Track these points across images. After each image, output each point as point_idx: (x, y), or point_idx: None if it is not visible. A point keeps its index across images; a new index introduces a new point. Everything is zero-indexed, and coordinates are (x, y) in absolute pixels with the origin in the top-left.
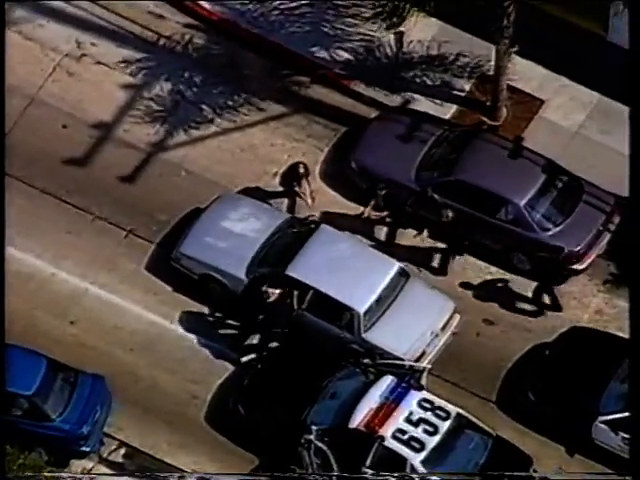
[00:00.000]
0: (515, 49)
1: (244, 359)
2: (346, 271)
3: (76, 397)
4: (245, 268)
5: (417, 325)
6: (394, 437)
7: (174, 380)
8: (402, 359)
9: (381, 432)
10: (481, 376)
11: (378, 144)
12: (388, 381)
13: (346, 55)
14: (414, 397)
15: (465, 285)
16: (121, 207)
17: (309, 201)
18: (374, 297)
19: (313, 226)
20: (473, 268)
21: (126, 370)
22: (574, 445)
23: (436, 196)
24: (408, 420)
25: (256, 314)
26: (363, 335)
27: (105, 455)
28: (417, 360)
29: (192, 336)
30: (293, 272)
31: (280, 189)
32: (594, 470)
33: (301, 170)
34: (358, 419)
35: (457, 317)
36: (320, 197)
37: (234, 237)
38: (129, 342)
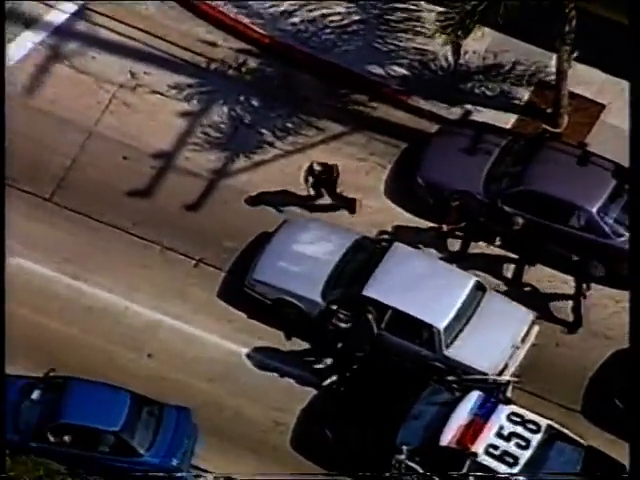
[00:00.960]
0: (576, 54)
1: (325, 383)
2: (423, 288)
3: (162, 430)
4: (320, 291)
5: (498, 339)
6: (487, 453)
7: (256, 408)
8: (486, 374)
9: (473, 448)
10: (564, 386)
11: (443, 158)
12: (475, 397)
13: (402, 70)
14: (503, 411)
15: (541, 295)
16: (188, 236)
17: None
18: (453, 313)
19: (385, 244)
20: (548, 277)
21: (208, 400)
22: None
23: (506, 207)
24: (499, 435)
25: (335, 338)
26: (445, 352)
27: None
28: (499, 374)
29: (271, 363)
30: (370, 292)
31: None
32: None
33: (317, 168)
34: (448, 436)
35: (536, 328)
36: (387, 214)
37: (306, 260)
38: (208, 372)
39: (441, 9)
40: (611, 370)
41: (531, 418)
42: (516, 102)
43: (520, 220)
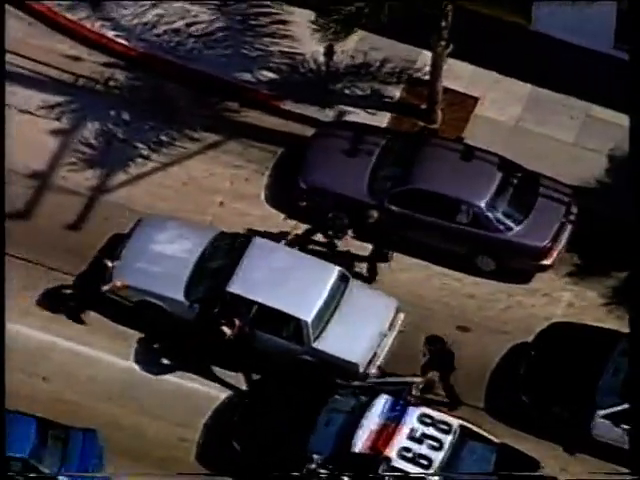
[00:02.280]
0: (450, 49)
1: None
2: (287, 281)
3: (70, 453)
4: (183, 289)
5: (365, 327)
6: (400, 456)
7: (159, 425)
8: (355, 364)
9: (386, 453)
10: (465, 384)
11: (325, 161)
12: (384, 400)
13: (271, 75)
14: (413, 413)
15: (432, 295)
16: (71, 255)
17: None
18: (319, 304)
19: (243, 239)
20: (438, 276)
21: (108, 420)
22: (573, 443)
23: (393, 207)
24: (411, 437)
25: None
26: (313, 344)
27: None
28: (369, 363)
29: (170, 378)
30: (234, 288)
31: None
32: (595, 467)
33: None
34: (360, 442)
35: (401, 315)
36: (269, 221)
37: (166, 259)
38: (106, 392)
39: (307, 11)
40: (512, 365)
41: (442, 418)
42: (388, 100)
43: (375, 213)
